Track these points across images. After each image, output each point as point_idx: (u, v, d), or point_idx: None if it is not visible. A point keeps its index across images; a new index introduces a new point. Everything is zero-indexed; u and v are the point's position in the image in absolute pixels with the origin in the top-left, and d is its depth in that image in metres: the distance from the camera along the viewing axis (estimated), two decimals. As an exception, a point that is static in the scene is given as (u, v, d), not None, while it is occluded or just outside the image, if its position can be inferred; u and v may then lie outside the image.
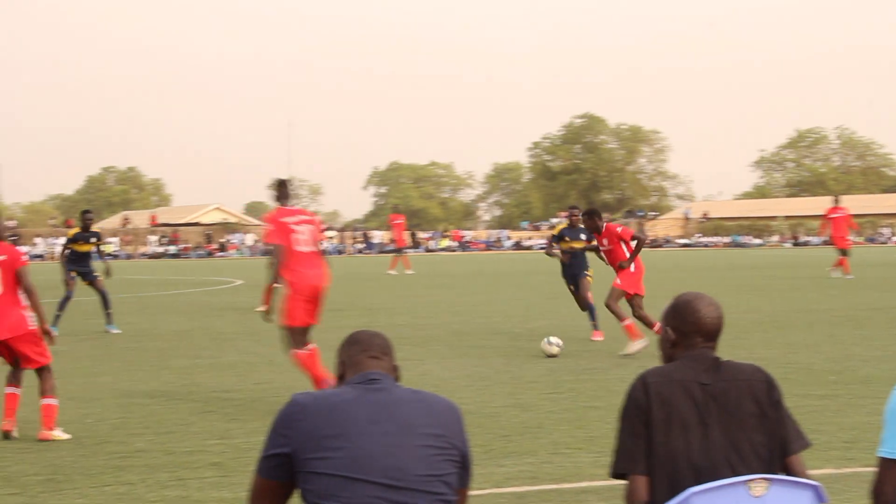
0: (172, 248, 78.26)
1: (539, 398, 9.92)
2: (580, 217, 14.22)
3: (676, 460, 3.60)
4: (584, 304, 14.57)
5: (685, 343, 3.82)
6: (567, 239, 14.77)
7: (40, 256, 76.80)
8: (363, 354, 3.73)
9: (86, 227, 17.50)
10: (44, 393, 8.21)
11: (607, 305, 12.98)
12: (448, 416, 3.60)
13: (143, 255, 77.26)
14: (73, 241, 17.43)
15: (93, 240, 17.60)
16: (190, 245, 78.96)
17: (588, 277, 14.82)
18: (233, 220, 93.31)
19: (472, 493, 3.70)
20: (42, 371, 8.28)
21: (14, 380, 8.33)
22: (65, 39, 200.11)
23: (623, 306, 13.00)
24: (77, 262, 17.36)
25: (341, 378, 3.75)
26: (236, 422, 8.88)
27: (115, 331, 17.12)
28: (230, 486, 6.64)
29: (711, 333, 3.80)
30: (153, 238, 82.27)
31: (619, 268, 13.03)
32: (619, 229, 13.27)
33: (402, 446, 3.45)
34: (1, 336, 7.90)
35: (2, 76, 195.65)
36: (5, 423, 8.14)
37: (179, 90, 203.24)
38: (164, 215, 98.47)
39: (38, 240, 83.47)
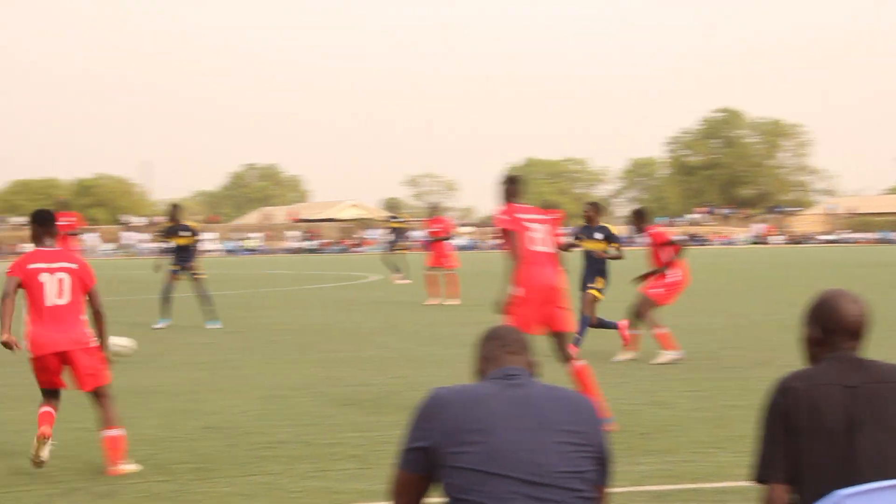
0: (311, 244, 79.72)
1: (678, 396, 9.79)
2: (595, 214, 13.03)
3: (821, 467, 3.48)
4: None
5: (829, 343, 3.69)
6: (581, 237, 13.22)
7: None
8: (502, 350, 3.73)
9: (173, 221, 17.58)
10: (106, 423, 7.26)
11: (638, 315, 12.36)
12: (586, 413, 3.58)
13: (283, 250, 78.97)
14: (164, 233, 17.80)
15: (182, 233, 17.47)
16: (328, 240, 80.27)
17: (593, 291, 13.07)
18: (369, 216, 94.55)
19: (610, 490, 3.67)
20: (101, 397, 7.36)
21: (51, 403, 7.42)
22: (209, 42, 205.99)
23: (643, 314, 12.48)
24: (178, 258, 17.43)
25: (480, 373, 3.77)
26: (375, 415, 9.01)
27: (214, 326, 17.29)
28: (370, 478, 6.74)
29: (855, 332, 3.64)
30: (292, 234, 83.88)
31: (654, 274, 12.38)
32: (655, 231, 12.48)
33: (540, 442, 3.44)
34: (62, 347, 7.09)
35: (153, 77, 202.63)
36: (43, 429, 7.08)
37: (320, 88, 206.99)
38: (302, 211, 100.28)
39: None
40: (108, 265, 48.27)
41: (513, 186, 8.96)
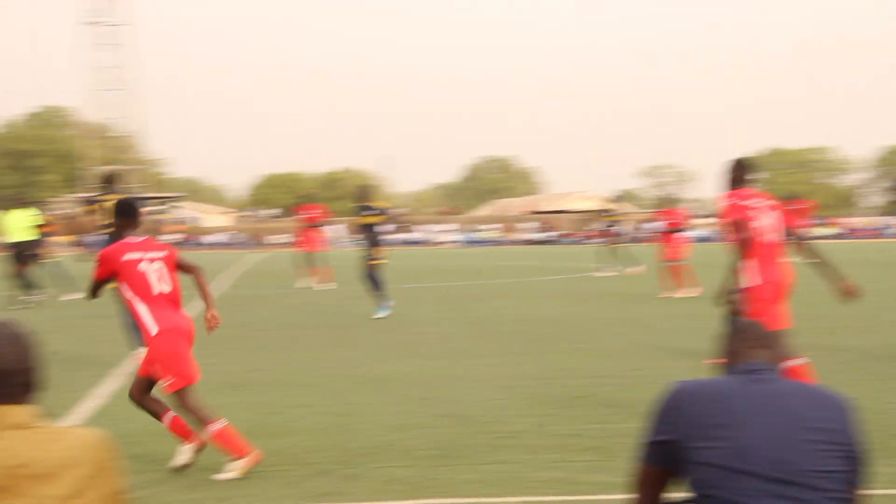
0: (545, 235, 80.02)
1: (936, 396, 9.23)
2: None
3: None
4: None
5: None
6: None
7: (417, 242, 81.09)
8: (747, 344, 3.64)
9: (361, 201, 17.71)
10: (207, 418, 7.00)
11: None
12: (838, 411, 3.44)
13: (518, 241, 79.64)
14: (353, 214, 18.10)
15: (365, 212, 17.52)
16: (563, 232, 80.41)
17: None
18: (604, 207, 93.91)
19: (864, 492, 3.51)
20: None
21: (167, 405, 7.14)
22: (447, 38, 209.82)
23: None
24: (367, 240, 17.56)
25: (724, 367, 3.69)
26: (614, 407, 8.94)
27: (382, 312, 17.51)
28: (609, 470, 6.69)
29: None
30: (528, 225, 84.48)
31: None
32: None
33: (789, 439, 3.33)
34: (188, 328, 7.07)
35: (396, 74, 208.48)
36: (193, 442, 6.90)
37: (558, 81, 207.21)
38: (537, 203, 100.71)
39: (423, 227, 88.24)
40: (350, 256, 49.94)
41: (740, 171, 8.41)
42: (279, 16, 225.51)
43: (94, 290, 7.34)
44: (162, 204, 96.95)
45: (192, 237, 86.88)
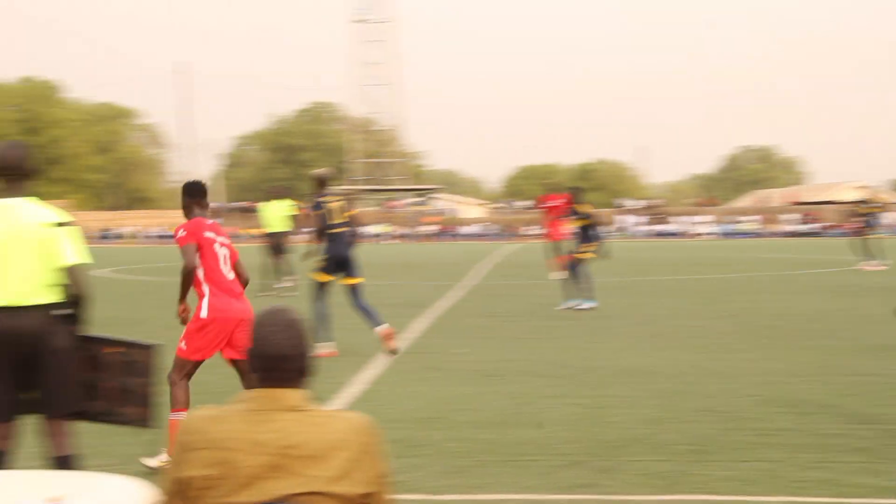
0: (808, 227, 77.23)
1: None
2: None
3: None
4: None
5: None
6: None
7: (673, 234, 79.89)
8: None
9: (570, 204, 18.40)
10: None
11: None
12: None
13: (779, 233, 77.17)
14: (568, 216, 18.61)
15: (572, 216, 18.33)
16: (829, 223, 77.37)
17: None
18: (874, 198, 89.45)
19: None
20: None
21: None
22: (705, 28, 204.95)
23: None
24: (576, 239, 18.20)
25: None
26: (882, 407, 8.49)
27: (580, 305, 17.76)
28: (879, 473, 6.36)
29: None
30: (789, 216, 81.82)
31: None
32: None
33: None
34: (242, 315, 6.98)
35: (657, 62, 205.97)
36: None
37: (814, 63, 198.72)
38: (800, 193, 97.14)
39: (679, 218, 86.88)
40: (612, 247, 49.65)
41: None
42: (533, 9, 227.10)
43: (190, 266, 7.03)
44: (420, 196, 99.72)
45: (449, 228, 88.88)
